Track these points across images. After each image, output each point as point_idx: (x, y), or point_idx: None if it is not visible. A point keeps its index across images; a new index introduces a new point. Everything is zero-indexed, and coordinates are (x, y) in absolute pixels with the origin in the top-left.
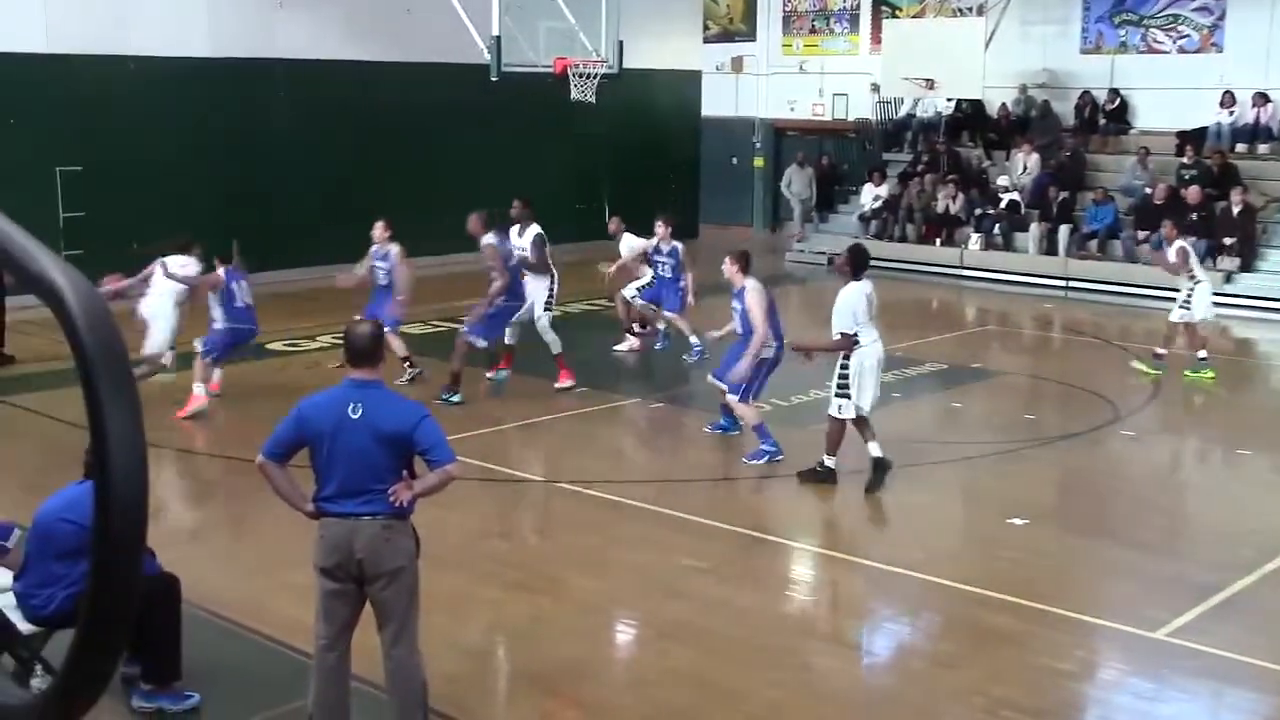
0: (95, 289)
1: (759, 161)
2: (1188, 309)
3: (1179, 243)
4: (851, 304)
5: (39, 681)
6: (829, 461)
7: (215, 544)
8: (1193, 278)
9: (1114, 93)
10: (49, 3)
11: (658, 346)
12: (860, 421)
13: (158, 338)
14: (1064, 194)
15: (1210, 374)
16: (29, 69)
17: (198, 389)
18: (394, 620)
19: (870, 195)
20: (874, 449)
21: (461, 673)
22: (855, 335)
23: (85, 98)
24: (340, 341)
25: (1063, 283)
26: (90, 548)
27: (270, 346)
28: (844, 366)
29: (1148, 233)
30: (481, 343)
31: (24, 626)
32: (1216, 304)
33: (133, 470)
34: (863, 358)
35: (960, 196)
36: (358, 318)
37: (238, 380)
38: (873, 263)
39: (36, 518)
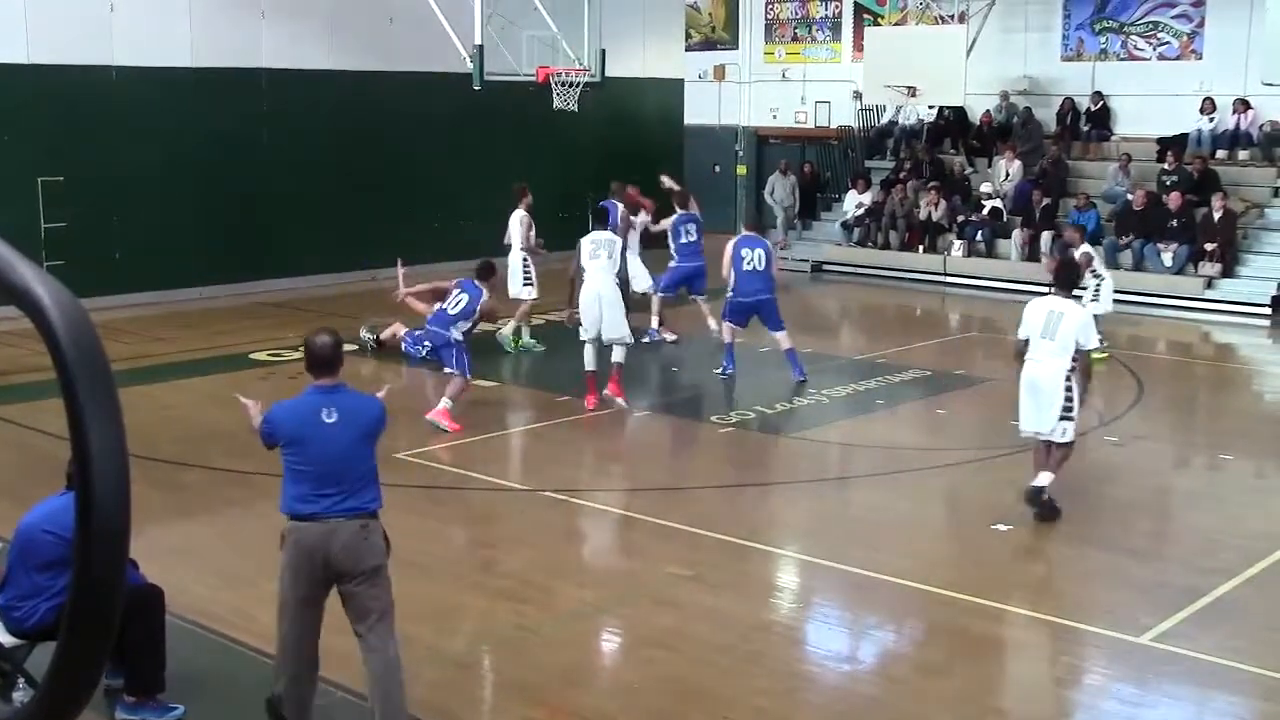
0: (77, 300)
1: (742, 169)
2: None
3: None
4: (1027, 312)
5: (21, 695)
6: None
7: (198, 555)
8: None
9: (1097, 94)
10: (30, 12)
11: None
12: (1044, 446)
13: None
14: (1046, 200)
15: None
16: (10, 79)
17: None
18: (373, 614)
19: (853, 202)
20: (1042, 477)
21: (447, 681)
22: (1023, 344)
23: (67, 108)
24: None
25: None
26: (72, 559)
27: (253, 356)
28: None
29: (1130, 239)
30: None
31: (6, 639)
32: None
33: (115, 481)
34: (1022, 373)
35: (943, 203)
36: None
37: (218, 390)
38: (856, 270)
39: (18, 529)
